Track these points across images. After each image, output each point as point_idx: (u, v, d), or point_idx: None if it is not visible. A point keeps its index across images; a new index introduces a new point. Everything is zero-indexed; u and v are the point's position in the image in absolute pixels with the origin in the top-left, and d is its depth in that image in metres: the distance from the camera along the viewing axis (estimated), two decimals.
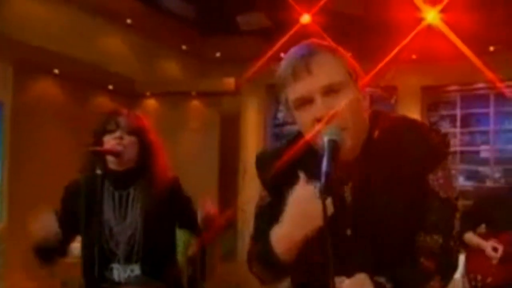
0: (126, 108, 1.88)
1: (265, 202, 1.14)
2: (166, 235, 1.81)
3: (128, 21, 5.03)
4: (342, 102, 0.95)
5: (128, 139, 1.71)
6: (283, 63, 1.03)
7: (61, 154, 4.25)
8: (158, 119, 5.50)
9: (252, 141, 6.02)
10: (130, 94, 5.34)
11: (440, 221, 1.01)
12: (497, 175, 5.74)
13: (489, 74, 4.39)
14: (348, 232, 1.02)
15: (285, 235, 0.97)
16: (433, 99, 5.99)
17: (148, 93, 5.58)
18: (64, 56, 4.39)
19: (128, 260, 1.68)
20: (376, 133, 1.03)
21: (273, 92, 6.27)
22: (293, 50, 1.02)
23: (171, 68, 6.03)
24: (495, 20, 4.28)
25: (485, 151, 5.89)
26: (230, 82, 5.83)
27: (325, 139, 0.93)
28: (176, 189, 1.83)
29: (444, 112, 5.99)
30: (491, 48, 4.75)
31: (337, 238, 0.95)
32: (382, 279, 0.93)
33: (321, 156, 0.90)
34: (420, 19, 4.32)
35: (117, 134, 1.70)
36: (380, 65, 4.80)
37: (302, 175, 0.97)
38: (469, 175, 5.75)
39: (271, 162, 1.10)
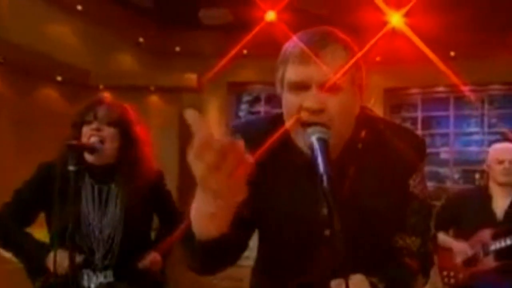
0: (109, 97, 1.78)
1: None
2: (145, 236, 1.76)
3: (79, 7, 4.79)
4: (334, 103, 0.95)
5: (107, 131, 1.62)
6: (294, 40, 1.00)
7: (2, 148, 4.04)
8: None
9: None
10: (80, 86, 5.11)
11: (419, 223, 1.06)
12: (456, 176, 6.08)
13: (453, 78, 4.57)
14: (327, 232, 1.02)
15: (194, 207, 0.85)
16: (396, 101, 6.17)
17: (101, 86, 5.37)
18: (7, 42, 4.13)
19: (105, 258, 1.61)
20: (362, 133, 1.05)
21: (235, 91, 6.25)
22: (309, 31, 1.01)
23: (127, 61, 5.81)
24: (456, 26, 4.46)
25: (444, 153, 6.22)
26: (191, 78, 5.71)
27: (314, 138, 0.92)
28: (159, 186, 1.78)
29: (406, 114, 6.20)
30: (452, 54, 4.95)
31: (315, 239, 0.98)
32: (374, 279, 0.95)
33: (314, 156, 0.88)
34: (385, 22, 4.44)
35: (94, 125, 1.61)
36: (348, 65, 4.94)
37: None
38: (429, 176, 5.99)
39: (253, 134, 1.03)
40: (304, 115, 0.96)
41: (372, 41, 4.70)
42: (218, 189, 0.70)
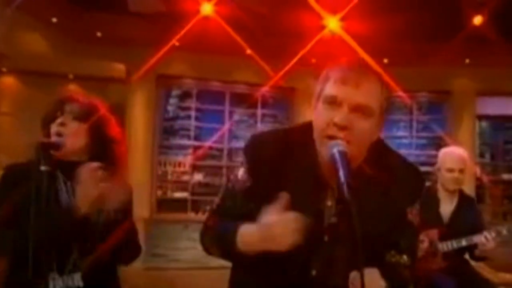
0: (81, 93, 1.72)
1: (243, 186, 1.24)
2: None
3: None
4: (359, 126, 1.11)
5: (72, 126, 1.59)
6: (341, 63, 1.18)
7: None
8: (18, 100, 5.03)
9: (140, 135, 5.79)
10: None
11: (412, 245, 1.29)
12: None
13: (390, 82, 4.83)
14: (326, 238, 1.21)
15: (249, 242, 1.13)
16: None
17: (4, 69, 4.98)
18: None
19: (79, 259, 1.56)
20: (373, 160, 1.20)
21: (164, 84, 6.11)
22: (353, 60, 1.19)
23: (38, 43, 5.36)
24: (391, 34, 4.76)
25: None
26: (120, 68, 5.51)
27: (335, 150, 1.08)
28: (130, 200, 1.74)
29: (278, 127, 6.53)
30: (385, 60, 5.28)
31: (314, 242, 1.15)
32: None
33: (336, 167, 1.05)
34: (322, 26, 4.62)
35: (59, 120, 1.59)
36: (287, 67, 5.07)
37: (284, 196, 1.11)
38: None
39: (267, 146, 1.23)
40: (331, 129, 1.11)
41: (311, 44, 4.89)
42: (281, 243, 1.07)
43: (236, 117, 6.40)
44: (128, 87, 5.60)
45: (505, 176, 6.77)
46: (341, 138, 1.10)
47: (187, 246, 5.30)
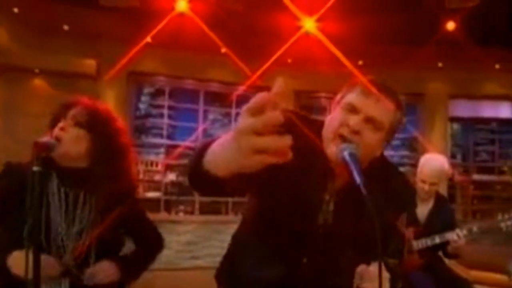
0: (88, 100, 1.68)
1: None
2: (114, 250, 1.70)
3: None
4: (368, 135, 1.24)
5: (73, 132, 1.58)
6: (366, 80, 1.30)
7: None
8: None
9: None
10: None
11: (399, 249, 1.42)
12: None
13: (365, 83, 4.92)
14: (320, 231, 1.29)
15: (216, 152, 0.91)
16: (305, 103, 6.54)
17: None
18: None
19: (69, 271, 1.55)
20: (373, 172, 1.26)
21: (135, 81, 6.04)
22: (380, 81, 1.31)
23: None
24: (366, 36, 4.86)
25: None
26: (90, 64, 5.41)
27: (345, 153, 1.17)
28: (133, 208, 1.72)
29: (315, 117, 6.59)
30: (360, 62, 5.39)
31: (310, 225, 1.24)
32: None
33: (350, 169, 1.12)
34: (298, 26, 4.67)
35: (60, 124, 1.58)
36: (264, 66, 5.09)
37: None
38: None
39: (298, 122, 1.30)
40: (344, 130, 1.24)
41: (287, 45, 4.93)
42: (244, 150, 0.74)
43: (210, 116, 6.39)
44: (98, 84, 5.50)
45: (476, 177, 7.01)
46: (350, 139, 1.22)
47: None
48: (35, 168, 1.39)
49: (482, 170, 7.05)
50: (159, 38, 4.97)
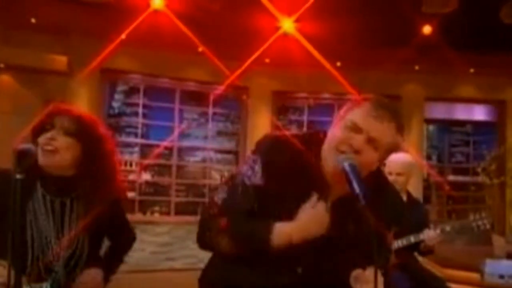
0: (74, 107, 1.72)
1: (254, 181, 1.36)
2: (93, 255, 1.72)
3: None
4: (367, 154, 1.31)
5: (62, 141, 1.60)
6: (372, 100, 1.36)
7: None
8: None
9: None
10: None
11: (387, 258, 1.48)
12: None
13: (343, 86, 5.05)
14: (314, 242, 1.34)
15: (287, 233, 1.29)
16: (283, 103, 6.59)
17: None
18: None
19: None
20: (369, 185, 1.31)
21: (108, 78, 5.91)
22: (386, 102, 1.37)
23: None
24: (344, 38, 4.93)
25: None
26: (61, 60, 5.27)
27: (346, 163, 1.24)
28: (117, 207, 1.77)
29: (292, 117, 6.66)
30: (338, 64, 5.46)
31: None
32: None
33: (349, 179, 1.22)
34: (276, 27, 4.71)
35: (49, 134, 1.60)
36: (244, 66, 5.11)
37: (314, 196, 1.32)
38: None
39: (282, 150, 1.38)
40: (345, 147, 1.30)
41: (264, 46, 4.96)
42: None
43: (186, 115, 6.37)
44: (69, 81, 5.40)
45: (451, 177, 7.19)
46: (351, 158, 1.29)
47: (134, 248, 5.20)
48: (18, 176, 1.38)
49: (457, 171, 7.25)
50: (133, 35, 4.91)
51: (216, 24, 4.77)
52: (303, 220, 1.30)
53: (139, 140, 6.15)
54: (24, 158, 1.47)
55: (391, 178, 2.97)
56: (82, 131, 1.64)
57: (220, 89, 5.64)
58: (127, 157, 6.12)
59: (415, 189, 6.36)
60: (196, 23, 4.66)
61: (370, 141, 1.30)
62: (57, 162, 1.60)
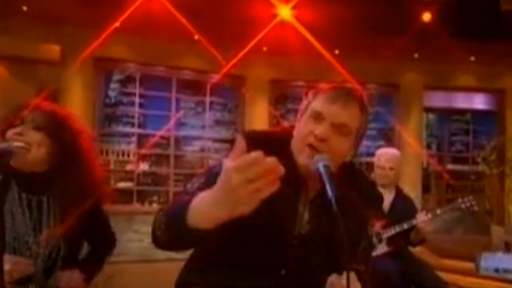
0: (44, 102, 1.68)
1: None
2: (73, 256, 1.70)
3: None
4: (335, 141, 1.27)
5: (33, 136, 1.56)
6: (331, 86, 1.34)
7: None
8: None
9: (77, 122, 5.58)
10: None
11: (367, 255, 1.45)
12: None
13: (342, 74, 5.00)
14: (295, 241, 1.31)
15: (201, 204, 1.00)
16: (281, 92, 6.52)
17: None
18: None
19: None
20: (342, 177, 1.29)
21: (103, 67, 5.83)
22: (342, 87, 1.34)
23: None
24: (343, 25, 4.86)
25: None
26: (53, 49, 5.20)
27: (320, 164, 1.18)
28: (97, 207, 1.75)
29: (290, 106, 6.60)
30: (336, 51, 5.40)
31: (284, 245, 1.26)
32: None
33: (322, 182, 1.14)
34: (274, 14, 4.65)
35: (18, 129, 1.56)
36: (240, 55, 5.05)
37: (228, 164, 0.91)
38: None
39: (256, 145, 1.25)
40: (311, 139, 1.27)
41: (262, 33, 4.89)
42: (242, 200, 0.87)
43: (183, 104, 6.32)
44: (62, 71, 5.33)
45: (450, 167, 7.16)
46: (318, 148, 1.25)
47: (132, 239, 5.23)
48: None
49: (456, 160, 7.22)
50: (128, 23, 4.84)
51: (212, 11, 4.70)
52: (214, 190, 0.95)
53: (136, 130, 6.10)
54: (3, 157, 1.46)
55: (383, 172, 3.15)
56: (53, 126, 1.60)
57: (216, 78, 5.58)
58: (124, 147, 6.09)
59: (414, 178, 6.36)
60: (191, 11, 4.59)
61: (335, 127, 1.28)
62: (30, 158, 1.55)
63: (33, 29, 5.08)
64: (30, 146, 1.54)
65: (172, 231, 1.09)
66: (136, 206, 6.00)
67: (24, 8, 4.95)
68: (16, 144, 1.52)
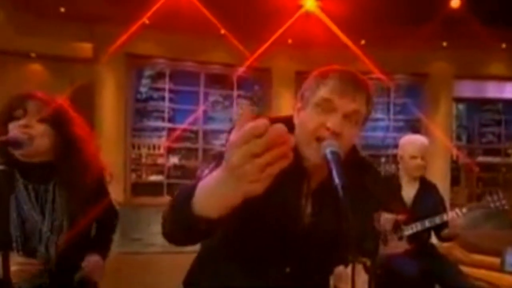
0: (42, 92, 1.68)
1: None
2: (85, 241, 1.71)
3: None
4: (348, 132, 1.18)
5: (38, 128, 1.56)
6: (336, 74, 1.22)
7: None
8: None
9: (111, 118, 5.66)
10: None
11: (373, 248, 1.35)
12: None
13: (366, 64, 4.88)
14: (299, 237, 1.23)
15: (202, 192, 0.88)
16: None
17: None
18: None
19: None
20: (349, 166, 1.17)
21: (135, 64, 5.95)
22: (349, 73, 1.23)
23: None
24: (369, 14, 4.73)
25: None
26: (86, 47, 5.35)
27: (327, 151, 1.09)
28: (101, 185, 1.76)
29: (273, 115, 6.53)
30: (362, 42, 5.27)
31: (290, 237, 1.19)
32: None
33: (329, 168, 1.05)
34: (298, 5, 4.57)
35: (23, 121, 1.55)
36: (264, 47, 5.01)
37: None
38: None
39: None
40: (322, 132, 1.16)
41: (286, 25, 4.83)
42: (249, 178, 0.73)
43: (211, 98, 6.34)
44: (96, 67, 5.44)
45: (481, 159, 6.92)
46: (332, 142, 1.14)
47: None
48: (0, 167, 1.39)
49: (487, 152, 6.96)
50: (156, 19, 4.90)
51: (237, 5, 4.67)
52: (220, 169, 0.81)
53: (166, 124, 6.18)
54: (14, 147, 1.49)
55: (414, 163, 2.81)
56: (56, 117, 1.61)
57: (241, 71, 5.55)
58: (155, 141, 6.17)
59: (442, 171, 6.16)
60: (217, 5, 4.58)
61: (347, 117, 1.19)
62: (35, 149, 1.56)
63: (67, 28, 5.24)
64: (35, 137, 1.55)
65: (178, 223, 0.96)
66: (166, 198, 5.99)
67: (62, 9, 5.08)
68: (22, 136, 1.53)
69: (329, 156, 1.09)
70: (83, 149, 1.66)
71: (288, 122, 1.21)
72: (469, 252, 4.32)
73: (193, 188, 0.88)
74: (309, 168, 1.23)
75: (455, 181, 6.65)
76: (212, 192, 0.83)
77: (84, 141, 1.68)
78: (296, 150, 1.18)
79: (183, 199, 0.90)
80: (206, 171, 1.06)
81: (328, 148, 1.10)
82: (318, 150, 1.13)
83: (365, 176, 1.32)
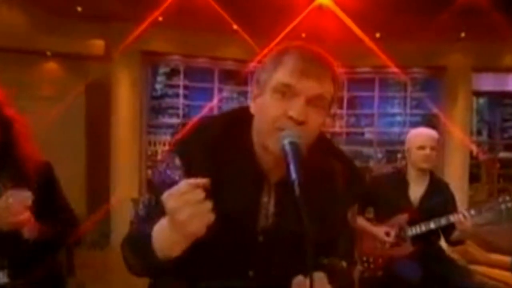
0: None
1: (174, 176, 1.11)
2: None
3: None
4: (314, 118, 1.03)
5: None
6: (297, 51, 1.06)
7: None
8: None
9: (126, 115, 5.65)
10: None
11: (349, 249, 1.23)
12: (379, 155, 6.49)
13: (380, 59, 4.74)
14: (260, 238, 1.12)
15: (162, 237, 0.95)
16: None
17: None
18: None
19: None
20: (314, 157, 1.10)
21: (149, 61, 5.93)
22: (309, 51, 1.06)
23: (13, 18, 5.08)
24: (384, 7, 4.57)
25: (369, 133, 6.58)
26: (98, 44, 5.36)
27: (286, 141, 0.98)
28: (49, 180, 1.73)
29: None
30: (378, 35, 5.11)
31: (249, 242, 1.09)
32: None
33: (287, 161, 0.96)
34: None
35: None
36: (276, 41, 4.90)
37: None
38: (353, 155, 6.31)
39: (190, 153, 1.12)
40: (284, 122, 1.02)
41: (299, 18, 4.70)
42: (186, 225, 0.87)
43: (224, 94, 6.28)
44: (110, 65, 5.43)
45: (502, 154, 6.69)
46: (296, 132, 1.01)
47: None
48: None
49: (509, 148, 6.73)
50: (169, 17, 4.86)
51: (251, 0, 4.57)
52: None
53: (181, 121, 6.15)
54: None
55: (422, 153, 2.62)
56: None
57: (252, 66, 5.46)
58: (170, 138, 6.15)
59: (461, 167, 5.94)
60: (229, 1, 4.50)
61: (311, 101, 1.02)
62: None
63: (83, 26, 5.25)
64: None
65: (145, 267, 1.04)
66: None
67: (79, 8, 5.07)
68: None
69: (287, 147, 0.96)
70: (15, 129, 1.65)
71: (244, 113, 1.12)
72: (486, 251, 4.14)
73: (148, 236, 0.96)
74: (271, 162, 1.08)
75: (475, 177, 6.43)
76: (167, 240, 0.93)
77: (15, 121, 1.66)
78: (250, 145, 1.10)
79: (143, 247, 0.97)
80: (141, 206, 1.11)
81: (287, 138, 0.98)
82: (278, 141, 1.00)
83: (336, 168, 1.18)
